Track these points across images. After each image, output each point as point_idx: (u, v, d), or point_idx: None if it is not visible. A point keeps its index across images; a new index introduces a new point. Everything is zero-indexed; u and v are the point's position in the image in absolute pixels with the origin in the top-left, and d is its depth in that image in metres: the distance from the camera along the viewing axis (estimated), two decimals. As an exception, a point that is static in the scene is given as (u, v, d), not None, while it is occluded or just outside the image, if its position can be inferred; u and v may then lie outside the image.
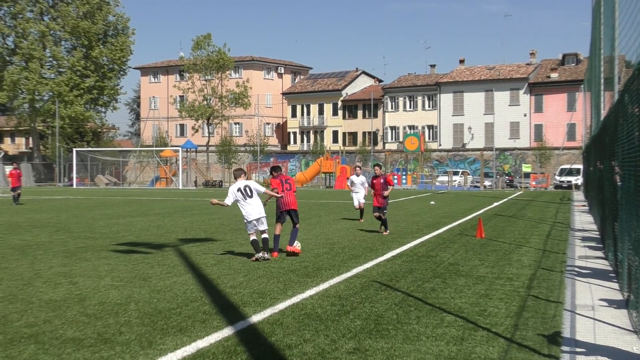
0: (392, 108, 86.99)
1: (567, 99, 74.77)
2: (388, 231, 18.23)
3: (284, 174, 14.38)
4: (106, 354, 6.60)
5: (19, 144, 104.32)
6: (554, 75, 77.43)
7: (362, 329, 7.59)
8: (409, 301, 9.15)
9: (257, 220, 13.11)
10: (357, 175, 22.80)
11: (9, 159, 76.00)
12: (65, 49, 79.50)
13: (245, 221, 13.22)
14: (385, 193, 18.46)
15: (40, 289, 9.95)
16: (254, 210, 13.08)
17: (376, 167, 19.08)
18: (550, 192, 55.79)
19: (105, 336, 7.30)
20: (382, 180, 18.55)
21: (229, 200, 13.14)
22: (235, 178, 13.44)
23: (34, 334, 7.40)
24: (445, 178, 65.72)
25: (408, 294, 9.67)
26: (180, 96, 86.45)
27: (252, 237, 13.11)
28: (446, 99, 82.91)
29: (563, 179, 60.46)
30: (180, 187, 62.29)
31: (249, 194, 13.11)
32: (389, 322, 7.95)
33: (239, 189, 13.13)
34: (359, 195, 22.34)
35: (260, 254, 12.83)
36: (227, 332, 7.50)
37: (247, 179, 13.60)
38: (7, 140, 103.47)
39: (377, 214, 18.54)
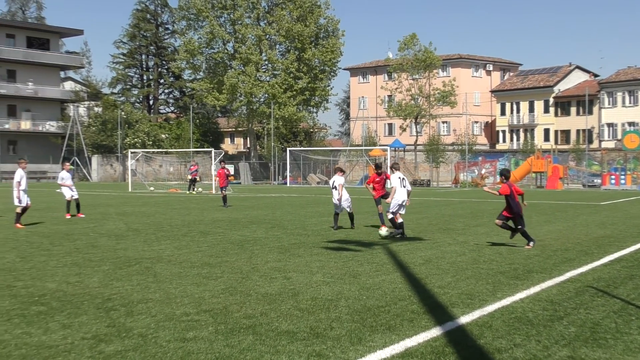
0: (609, 104, 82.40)
1: None
2: (531, 243, 14.91)
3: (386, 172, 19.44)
4: (318, 348, 6.82)
5: (238, 144, 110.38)
6: None
7: (576, 337, 7.27)
8: (630, 310, 8.63)
9: (402, 204, 17.51)
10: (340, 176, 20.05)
11: (229, 158, 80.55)
12: (279, 52, 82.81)
13: (399, 203, 17.40)
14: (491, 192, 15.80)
15: (257, 283, 10.46)
16: (404, 195, 17.62)
17: (500, 179, 15.55)
18: None
19: (317, 330, 7.54)
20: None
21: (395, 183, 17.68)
22: (396, 169, 18.25)
23: (252, 325, 7.79)
24: (669, 178, 61.10)
25: (628, 302, 9.12)
26: (388, 96, 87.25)
27: (390, 216, 17.36)
28: (672, 93, 77.23)
29: None
30: (389, 186, 62.93)
31: (404, 184, 17.76)
32: (606, 330, 7.55)
33: (399, 178, 17.79)
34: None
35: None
36: (435, 332, 7.48)
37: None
38: (227, 140, 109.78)
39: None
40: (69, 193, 24.39)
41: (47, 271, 11.65)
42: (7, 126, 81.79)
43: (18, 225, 20.25)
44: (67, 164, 25.14)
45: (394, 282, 10.54)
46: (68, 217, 23.52)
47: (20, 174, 20.69)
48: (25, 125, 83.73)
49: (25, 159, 22.10)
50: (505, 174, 15.42)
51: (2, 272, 11.61)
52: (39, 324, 7.91)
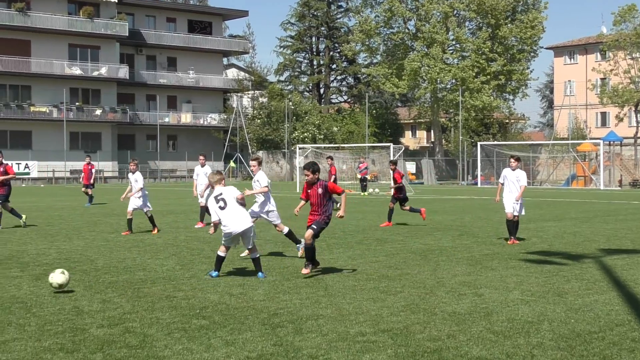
0: None
1: None
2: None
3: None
4: (516, 379, 6.69)
5: (420, 138, 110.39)
6: None
7: None
8: None
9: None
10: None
11: (410, 154, 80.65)
12: (469, 30, 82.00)
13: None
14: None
15: (443, 299, 10.42)
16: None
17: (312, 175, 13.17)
18: None
19: (515, 358, 7.43)
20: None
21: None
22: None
23: (437, 349, 7.77)
24: None
25: None
26: (601, 79, 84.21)
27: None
28: None
29: None
30: (602, 188, 60.65)
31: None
32: None
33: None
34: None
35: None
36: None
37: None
38: (408, 134, 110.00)
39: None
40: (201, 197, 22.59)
41: (208, 281, 12.18)
42: (167, 119, 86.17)
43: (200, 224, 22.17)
44: (202, 157, 23.81)
45: (610, 303, 10.17)
46: (199, 226, 22.27)
47: (196, 171, 22.95)
48: (186, 118, 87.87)
49: (204, 155, 23.54)
50: (313, 168, 13.13)
51: (162, 280, 12.27)
52: (200, 339, 8.29)
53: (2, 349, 7.95)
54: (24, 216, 22.44)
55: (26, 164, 71.54)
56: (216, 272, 12.61)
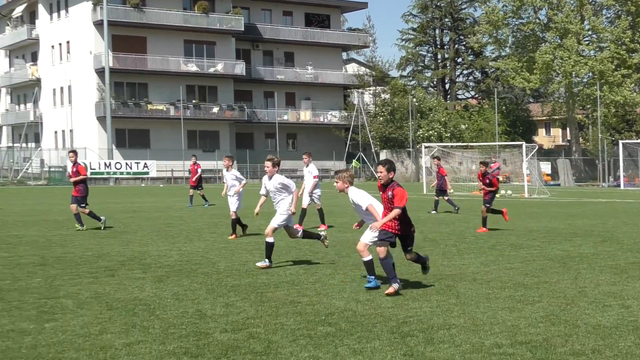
0: None
1: None
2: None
3: None
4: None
5: (555, 136, 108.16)
6: None
7: None
8: None
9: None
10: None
11: (544, 154, 79.09)
12: (607, 19, 79.92)
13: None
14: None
15: (586, 311, 10.18)
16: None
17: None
18: None
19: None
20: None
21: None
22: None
23: (582, 364, 7.61)
24: None
25: None
26: None
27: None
28: None
29: None
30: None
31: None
32: None
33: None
34: None
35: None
36: None
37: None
38: (541, 132, 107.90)
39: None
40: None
41: (333, 286, 12.25)
42: (285, 117, 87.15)
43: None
44: (305, 156, 23.14)
45: None
46: (322, 229, 20.98)
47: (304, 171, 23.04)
48: (305, 116, 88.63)
49: (309, 152, 23.44)
50: (388, 165, 11.62)
51: (286, 285, 12.42)
52: (327, 347, 8.34)
53: (127, 351, 8.22)
54: (103, 218, 22.52)
55: (145, 164, 73.34)
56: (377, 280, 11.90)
